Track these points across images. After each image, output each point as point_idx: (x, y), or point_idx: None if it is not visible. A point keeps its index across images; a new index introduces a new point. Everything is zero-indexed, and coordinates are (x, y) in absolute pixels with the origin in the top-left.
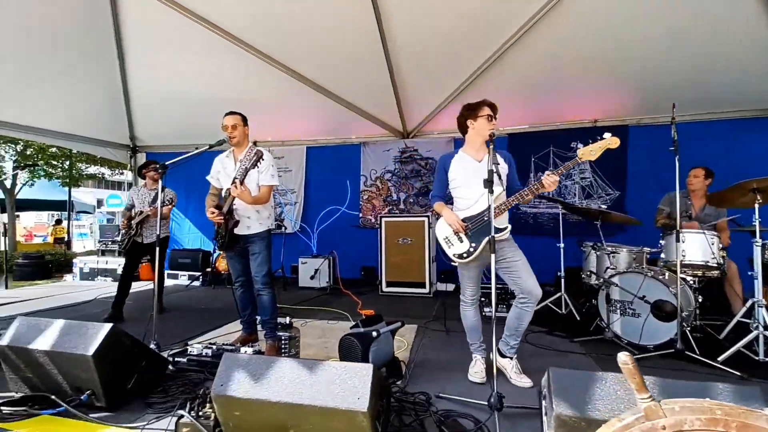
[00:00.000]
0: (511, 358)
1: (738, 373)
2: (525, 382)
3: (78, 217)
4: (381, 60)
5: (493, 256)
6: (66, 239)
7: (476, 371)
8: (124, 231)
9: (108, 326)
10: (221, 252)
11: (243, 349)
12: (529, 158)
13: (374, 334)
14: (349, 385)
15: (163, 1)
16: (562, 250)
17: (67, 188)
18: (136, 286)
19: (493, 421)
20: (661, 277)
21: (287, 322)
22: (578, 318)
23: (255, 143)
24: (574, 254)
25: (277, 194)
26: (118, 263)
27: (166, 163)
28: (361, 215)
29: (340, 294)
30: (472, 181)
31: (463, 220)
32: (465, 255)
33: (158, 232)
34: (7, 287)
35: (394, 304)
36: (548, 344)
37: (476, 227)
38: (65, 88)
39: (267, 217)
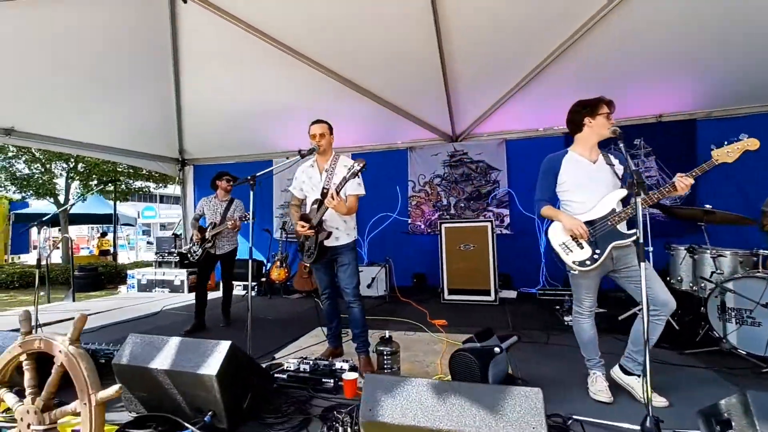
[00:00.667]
0: (639, 376)
1: None
2: (660, 401)
3: (121, 229)
4: (436, 62)
5: (642, 265)
6: (112, 251)
7: (600, 389)
8: (196, 242)
9: (227, 344)
10: (309, 265)
11: (338, 365)
12: None
13: (497, 350)
14: (518, 414)
15: (218, 13)
16: (651, 255)
17: (111, 202)
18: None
19: None
20: None
21: (387, 336)
22: (677, 327)
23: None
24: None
25: None
26: (174, 274)
27: (256, 174)
28: (410, 221)
29: (399, 303)
30: (588, 184)
31: None
32: (588, 263)
33: (233, 244)
34: (74, 300)
35: (460, 312)
36: (658, 358)
37: (599, 232)
38: (121, 105)
39: (353, 228)
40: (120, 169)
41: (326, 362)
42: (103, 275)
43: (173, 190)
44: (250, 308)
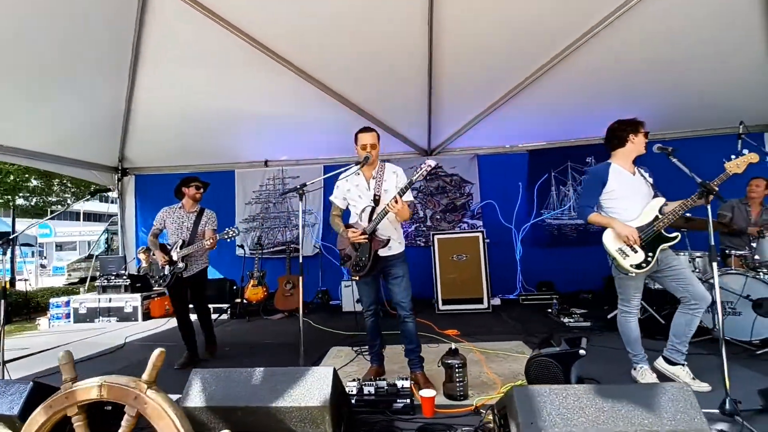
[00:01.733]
0: (683, 365)
1: None
2: (703, 386)
3: (24, 251)
4: (423, 81)
5: (715, 264)
6: (9, 277)
7: (650, 380)
8: (162, 264)
9: (330, 370)
10: (356, 277)
11: (399, 383)
12: (549, 171)
13: (582, 352)
14: (675, 409)
15: (197, 7)
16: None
17: (8, 219)
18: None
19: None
20: (762, 276)
21: (453, 347)
22: (663, 321)
23: (266, 163)
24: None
25: (291, 215)
26: (124, 300)
27: (305, 183)
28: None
29: (392, 316)
30: (631, 194)
31: None
32: (644, 265)
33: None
34: None
35: (458, 321)
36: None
37: (647, 237)
38: (48, 103)
39: (404, 237)
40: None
41: (386, 383)
42: (10, 305)
43: (79, 204)
44: (302, 328)
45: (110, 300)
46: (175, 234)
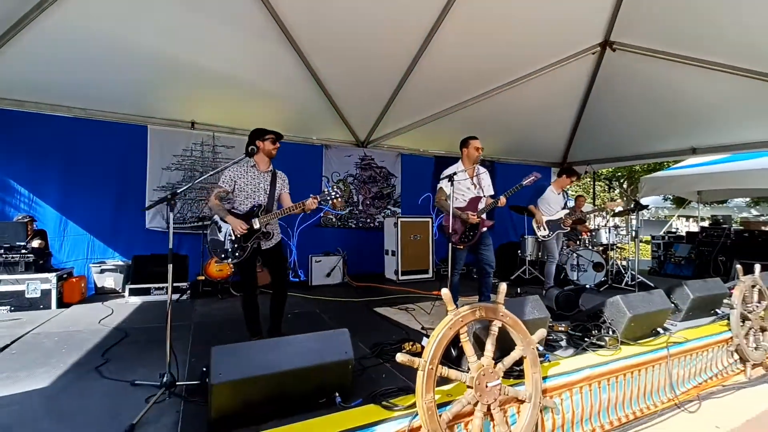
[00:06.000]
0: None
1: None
2: None
3: None
4: (394, 82)
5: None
6: None
7: None
8: (240, 233)
9: (345, 331)
10: (461, 246)
11: None
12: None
13: (588, 286)
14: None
15: None
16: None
17: None
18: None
19: None
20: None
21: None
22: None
23: (193, 125)
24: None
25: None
26: (25, 282)
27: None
28: (322, 214)
29: (370, 288)
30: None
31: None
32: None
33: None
34: None
35: (420, 287)
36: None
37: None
38: None
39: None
40: None
41: None
42: None
43: None
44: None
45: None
46: (249, 198)
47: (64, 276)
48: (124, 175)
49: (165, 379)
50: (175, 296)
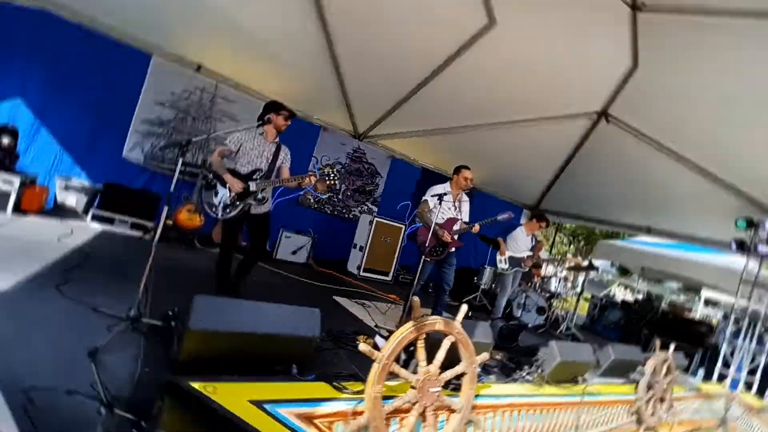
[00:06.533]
0: None
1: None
2: None
3: None
4: (408, 87)
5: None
6: None
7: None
8: (237, 191)
9: (317, 311)
10: (429, 259)
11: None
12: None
13: (528, 324)
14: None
15: None
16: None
17: None
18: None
19: None
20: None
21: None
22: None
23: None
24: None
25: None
26: None
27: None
28: (301, 193)
29: (320, 272)
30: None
31: None
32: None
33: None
34: None
35: (377, 287)
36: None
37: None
38: None
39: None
40: None
41: None
42: None
43: None
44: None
45: None
46: (251, 163)
47: (27, 182)
48: (113, 97)
49: (132, 313)
50: (138, 233)
